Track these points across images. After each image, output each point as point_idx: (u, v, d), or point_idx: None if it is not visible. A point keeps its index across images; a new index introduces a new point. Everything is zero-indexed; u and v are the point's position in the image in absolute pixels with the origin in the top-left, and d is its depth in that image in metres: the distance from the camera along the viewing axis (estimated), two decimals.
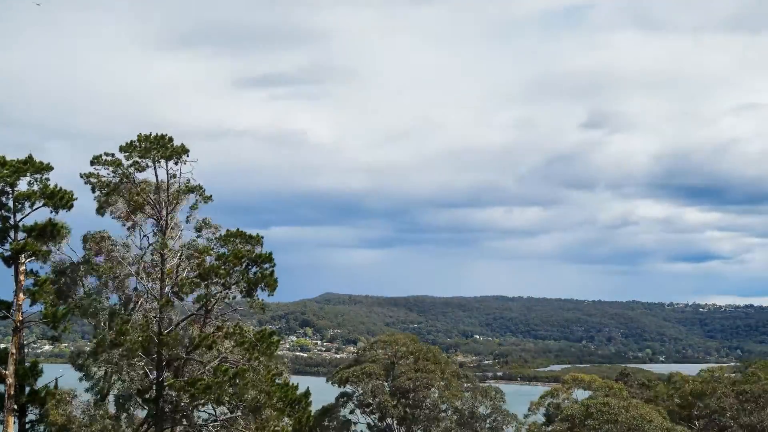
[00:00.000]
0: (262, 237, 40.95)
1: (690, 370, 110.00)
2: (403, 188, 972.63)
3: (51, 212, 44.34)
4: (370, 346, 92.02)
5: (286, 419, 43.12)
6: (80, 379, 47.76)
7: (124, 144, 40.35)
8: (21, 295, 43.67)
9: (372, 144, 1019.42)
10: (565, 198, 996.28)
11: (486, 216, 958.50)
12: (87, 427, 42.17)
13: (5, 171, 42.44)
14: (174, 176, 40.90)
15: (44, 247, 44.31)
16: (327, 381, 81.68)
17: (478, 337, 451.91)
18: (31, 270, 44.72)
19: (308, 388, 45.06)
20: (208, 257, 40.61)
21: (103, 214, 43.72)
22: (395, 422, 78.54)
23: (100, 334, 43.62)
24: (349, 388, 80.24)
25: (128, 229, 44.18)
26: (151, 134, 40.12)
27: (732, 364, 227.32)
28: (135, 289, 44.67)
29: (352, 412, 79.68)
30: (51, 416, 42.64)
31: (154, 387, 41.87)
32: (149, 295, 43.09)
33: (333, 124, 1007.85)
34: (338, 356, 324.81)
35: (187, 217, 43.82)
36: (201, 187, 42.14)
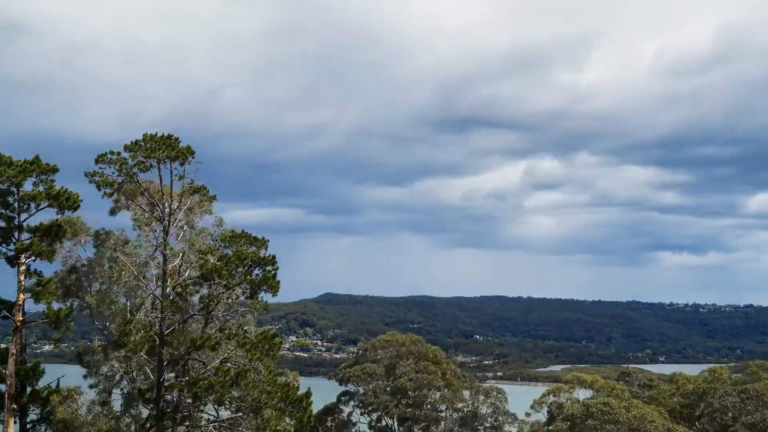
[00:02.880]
0: (268, 240, 41.03)
1: (690, 370, 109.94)
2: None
3: (57, 213, 44.48)
4: (371, 346, 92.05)
5: (288, 419, 43.09)
6: (84, 377, 47.89)
7: (129, 143, 40.38)
8: (21, 295, 43.70)
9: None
10: None
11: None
12: (92, 426, 42.27)
13: (11, 171, 42.54)
14: (179, 177, 40.93)
15: (49, 247, 44.45)
16: (328, 379, 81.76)
17: (478, 337, 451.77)
18: (35, 270, 44.83)
19: (309, 388, 45.03)
20: (211, 258, 40.61)
21: (114, 213, 43.82)
22: (396, 422, 78.54)
23: (107, 333, 43.77)
24: (350, 388, 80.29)
25: (139, 228, 44.27)
26: (156, 134, 40.15)
27: (732, 364, 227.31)
28: (140, 289, 44.78)
29: (352, 411, 79.71)
30: (59, 413, 42.73)
31: (155, 387, 41.89)
32: (152, 296, 43.15)
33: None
34: (338, 356, 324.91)
35: (190, 217, 43.96)
36: (205, 188, 42.24)
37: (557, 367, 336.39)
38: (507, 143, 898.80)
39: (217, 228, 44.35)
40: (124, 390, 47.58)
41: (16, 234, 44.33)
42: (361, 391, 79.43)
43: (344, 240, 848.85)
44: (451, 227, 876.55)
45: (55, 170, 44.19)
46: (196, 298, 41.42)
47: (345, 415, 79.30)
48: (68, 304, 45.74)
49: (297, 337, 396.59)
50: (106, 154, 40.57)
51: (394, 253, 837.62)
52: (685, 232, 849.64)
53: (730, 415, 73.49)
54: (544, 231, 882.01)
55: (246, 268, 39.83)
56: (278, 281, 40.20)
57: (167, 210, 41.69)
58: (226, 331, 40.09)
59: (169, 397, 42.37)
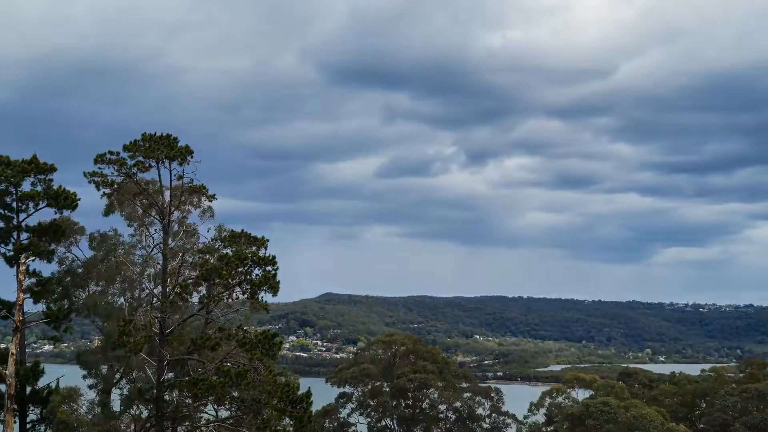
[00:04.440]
0: (267, 240, 40.99)
1: (690, 370, 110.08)
2: None
3: (55, 213, 44.53)
4: (369, 345, 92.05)
5: (287, 419, 43.07)
6: (84, 377, 47.93)
7: (128, 143, 40.38)
8: (21, 295, 43.68)
9: None
10: None
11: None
12: (94, 426, 42.27)
13: (9, 171, 42.56)
14: (178, 176, 40.91)
15: (48, 247, 44.47)
16: (326, 382, 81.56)
17: (478, 337, 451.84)
18: (34, 270, 44.85)
19: (309, 388, 45.05)
20: (210, 258, 40.60)
21: (109, 214, 43.81)
22: (395, 422, 78.51)
23: (105, 333, 43.75)
24: (348, 389, 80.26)
25: (134, 229, 44.31)
26: (155, 134, 40.14)
27: (732, 364, 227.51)
28: (139, 288, 44.83)
29: (351, 412, 79.67)
30: (59, 414, 42.70)
31: (155, 387, 41.90)
32: (152, 295, 43.17)
33: None
34: (338, 356, 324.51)
35: (189, 216, 44.02)
36: (205, 187, 42.16)
37: (557, 367, 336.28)
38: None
39: (209, 221, 44.30)
40: (124, 390, 47.62)
41: (14, 234, 44.34)
42: (360, 392, 79.40)
43: (302, 232, 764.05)
44: (414, 215, 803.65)
45: (53, 170, 44.24)
46: (195, 298, 41.41)
47: (343, 416, 79.28)
48: (67, 303, 45.78)
49: (297, 337, 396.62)
50: (105, 154, 40.56)
51: (366, 247, 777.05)
52: (677, 222, 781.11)
53: (730, 413, 73.55)
54: (514, 221, 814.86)
55: (246, 268, 39.79)
56: (278, 281, 40.15)
57: (166, 209, 41.69)
58: (226, 332, 40.07)
59: (168, 397, 42.37)
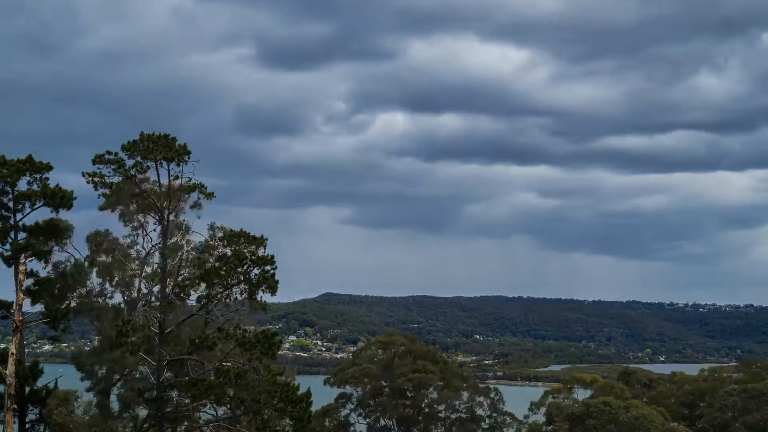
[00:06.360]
0: (266, 239, 41.00)
1: (690, 370, 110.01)
2: None
3: (51, 212, 44.52)
4: (368, 345, 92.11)
5: (287, 419, 43.08)
6: (81, 379, 47.87)
7: (126, 143, 40.40)
8: (21, 295, 43.65)
9: None
10: None
11: None
12: (91, 427, 42.26)
13: (5, 171, 42.52)
14: (176, 176, 40.94)
15: (45, 247, 44.41)
16: (325, 383, 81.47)
17: (478, 337, 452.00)
18: (32, 270, 44.80)
19: (309, 388, 45.03)
20: (209, 258, 40.61)
21: (105, 209, 43.75)
22: (394, 423, 78.49)
23: (102, 333, 43.69)
24: (348, 389, 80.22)
25: (132, 229, 44.25)
26: (153, 134, 40.19)
27: (732, 363, 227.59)
28: (138, 289, 44.81)
29: (351, 412, 79.63)
30: (54, 416, 42.66)
31: (155, 387, 41.88)
32: (151, 296, 43.16)
33: None
34: (338, 356, 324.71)
35: (187, 216, 43.98)
36: (203, 186, 42.15)
37: (557, 367, 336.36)
38: None
39: (207, 219, 44.30)
40: (122, 390, 47.56)
41: (11, 234, 44.30)
42: (359, 392, 79.36)
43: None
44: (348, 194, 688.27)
45: (49, 168, 44.25)
46: (194, 298, 41.39)
47: (343, 416, 79.25)
48: (65, 303, 45.71)
49: (297, 337, 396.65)
50: (103, 154, 40.63)
51: (336, 239, 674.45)
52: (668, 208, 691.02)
53: (729, 414, 73.55)
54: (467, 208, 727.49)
55: (245, 267, 39.79)
56: (277, 281, 40.19)
57: (165, 209, 41.66)
58: (225, 331, 40.06)
59: (167, 397, 42.35)
